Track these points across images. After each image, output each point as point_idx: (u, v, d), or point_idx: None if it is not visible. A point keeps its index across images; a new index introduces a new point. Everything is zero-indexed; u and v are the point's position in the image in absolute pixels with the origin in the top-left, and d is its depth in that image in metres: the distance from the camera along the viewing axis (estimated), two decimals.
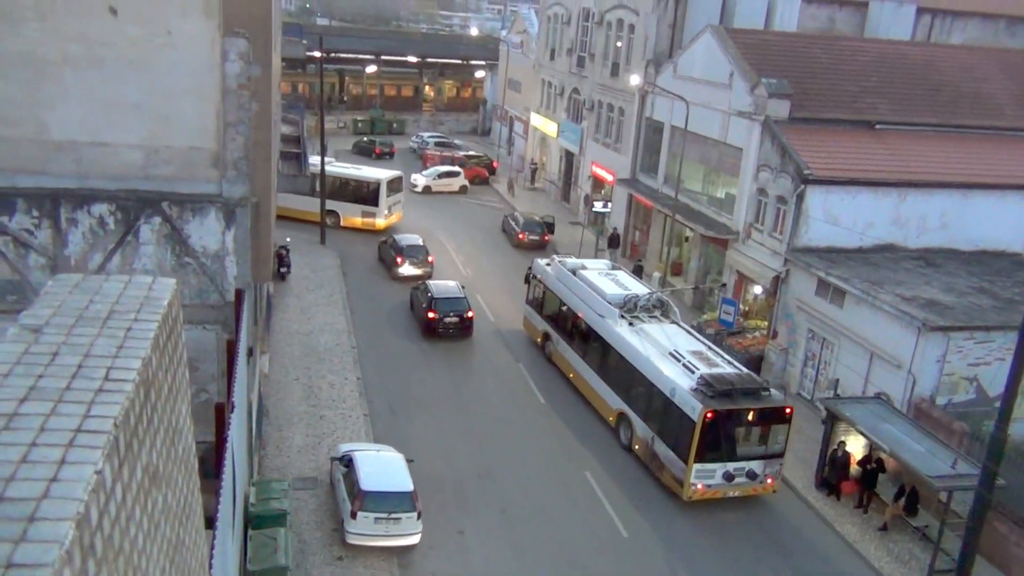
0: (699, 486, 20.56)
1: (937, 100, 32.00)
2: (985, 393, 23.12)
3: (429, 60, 74.63)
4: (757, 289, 29.96)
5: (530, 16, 60.00)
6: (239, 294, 14.55)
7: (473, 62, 75.54)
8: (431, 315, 28.88)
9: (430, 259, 35.20)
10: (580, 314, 25.96)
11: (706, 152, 33.10)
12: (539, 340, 29.01)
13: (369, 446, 20.29)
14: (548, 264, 28.99)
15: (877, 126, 30.14)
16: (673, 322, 25.01)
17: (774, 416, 20.95)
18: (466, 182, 51.76)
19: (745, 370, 22.40)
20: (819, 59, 32.37)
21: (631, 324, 24.26)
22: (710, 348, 23.41)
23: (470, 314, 29.40)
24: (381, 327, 29.95)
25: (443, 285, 30.40)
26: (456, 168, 52.63)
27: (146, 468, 3.84)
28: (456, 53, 77.50)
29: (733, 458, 20.72)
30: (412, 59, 73.52)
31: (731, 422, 20.56)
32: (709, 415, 20.01)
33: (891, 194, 27.84)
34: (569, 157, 48.91)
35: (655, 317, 24.98)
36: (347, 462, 18.74)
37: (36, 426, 3.23)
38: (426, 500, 18.76)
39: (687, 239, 35.48)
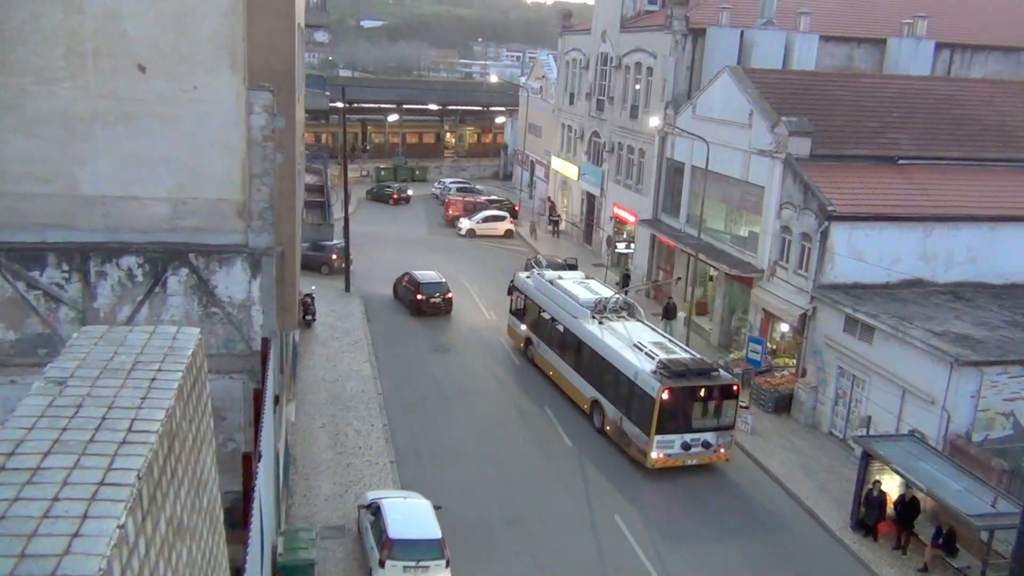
0: (660, 455, 23.31)
1: (960, 134, 31.83)
2: (1023, 428, 22.58)
3: (450, 107, 75.68)
4: (784, 327, 29.66)
5: (549, 62, 60.78)
6: (265, 343, 14.62)
7: (493, 108, 76.47)
8: (419, 297, 35.18)
9: (334, 258, 40.28)
10: (557, 318, 28.88)
11: (728, 191, 33.07)
12: (522, 345, 31.95)
13: (396, 493, 20.13)
14: (528, 276, 32.23)
15: (900, 161, 29.98)
16: (638, 320, 28.09)
17: (723, 392, 23.77)
18: (511, 226, 52.03)
19: (698, 355, 25.51)
20: (839, 96, 32.38)
21: (601, 323, 27.30)
22: (670, 340, 26.74)
23: (449, 295, 35.81)
24: (406, 373, 29.93)
25: (426, 274, 36.77)
26: (502, 212, 52.89)
27: (170, 521, 3.81)
28: (476, 100, 78.55)
29: (689, 430, 23.45)
30: (433, 107, 74.64)
31: (685, 398, 23.35)
32: (666, 392, 22.90)
33: (917, 229, 27.59)
34: (591, 199, 49.07)
35: (622, 316, 28.05)
36: (374, 510, 18.60)
37: (59, 480, 3.22)
38: (454, 547, 18.51)
39: (711, 278, 35.31)
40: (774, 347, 30.40)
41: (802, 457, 25.31)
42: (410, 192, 61.55)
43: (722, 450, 23.85)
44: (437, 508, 19.01)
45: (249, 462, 10.82)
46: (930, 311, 25.56)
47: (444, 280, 36.30)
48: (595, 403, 26.25)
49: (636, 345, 25.42)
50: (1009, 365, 22.37)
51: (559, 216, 52.82)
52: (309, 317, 33.06)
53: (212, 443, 5.30)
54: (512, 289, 32.68)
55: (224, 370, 14.83)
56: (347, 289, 38.16)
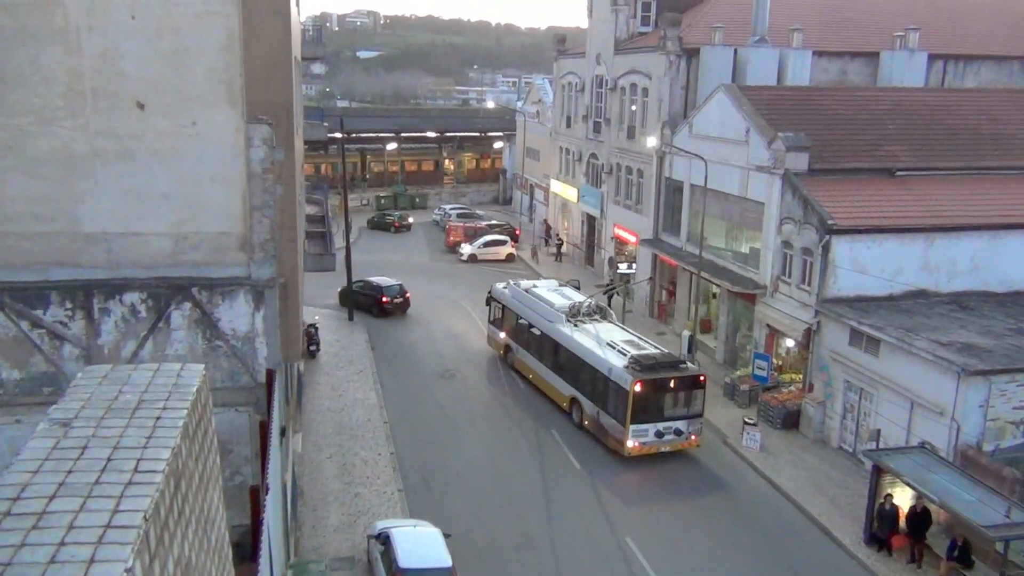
0: (635, 444, 24.94)
1: (957, 144, 31.90)
2: None
3: (448, 134, 76.02)
4: (789, 342, 29.57)
5: (545, 86, 61.14)
6: (270, 375, 14.58)
7: (491, 134, 76.82)
8: (384, 299, 38.93)
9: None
10: (534, 324, 30.39)
11: (727, 208, 33.12)
12: (502, 352, 33.46)
13: (405, 522, 19.99)
14: (505, 287, 33.66)
15: (898, 173, 30.03)
16: (610, 322, 29.87)
17: (691, 383, 25.61)
18: (512, 250, 52.19)
19: (666, 350, 27.31)
20: (835, 110, 32.50)
21: (576, 326, 28.93)
22: (640, 338, 28.32)
23: (407, 295, 39.74)
24: (412, 400, 29.84)
25: (384, 280, 40.41)
26: (503, 237, 53.02)
27: (178, 561, 3.78)
28: (474, 126, 78.95)
29: (661, 419, 25.15)
30: (431, 134, 74.97)
31: (656, 389, 25.03)
32: (638, 385, 24.60)
33: (918, 239, 27.58)
34: (591, 221, 49.14)
35: (595, 319, 29.70)
36: (384, 540, 18.47)
37: (65, 523, 3.19)
38: (466, 575, 18.39)
39: (715, 296, 35.26)
40: (780, 363, 30.29)
41: (812, 473, 25.14)
42: (411, 219, 61.72)
43: (693, 437, 25.60)
44: (447, 536, 18.87)
45: (257, 495, 10.74)
46: (935, 321, 25.48)
47: (401, 283, 40.25)
48: (573, 400, 27.86)
49: (609, 344, 27.09)
50: (1017, 373, 22.25)
51: (560, 240, 52.81)
52: (313, 347, 33.03)
53: (219, 479, 5.27)
54: (490, 299, 34.09)
55: (229, 403, 14.77)
56: (350, 318, 38.16)
